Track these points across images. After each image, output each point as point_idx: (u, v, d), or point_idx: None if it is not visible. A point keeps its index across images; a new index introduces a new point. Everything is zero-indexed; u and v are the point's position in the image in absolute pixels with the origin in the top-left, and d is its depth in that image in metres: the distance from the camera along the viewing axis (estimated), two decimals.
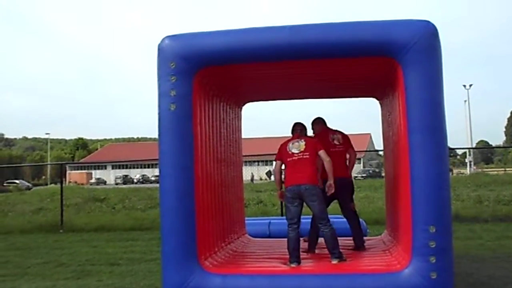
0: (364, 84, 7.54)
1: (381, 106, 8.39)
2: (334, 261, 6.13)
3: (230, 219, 7.60)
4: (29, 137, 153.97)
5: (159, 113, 5.76)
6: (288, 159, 6.45)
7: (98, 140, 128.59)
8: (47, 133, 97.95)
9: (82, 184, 63.21)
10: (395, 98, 6.24)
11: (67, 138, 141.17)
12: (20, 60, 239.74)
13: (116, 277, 7.90)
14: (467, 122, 63.00)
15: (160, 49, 5.82)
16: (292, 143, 6.53)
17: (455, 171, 59.89)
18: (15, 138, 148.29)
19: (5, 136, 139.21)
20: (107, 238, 12.67)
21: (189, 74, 5.75)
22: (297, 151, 6.42)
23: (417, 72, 5.36)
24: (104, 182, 70.56)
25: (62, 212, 15.51)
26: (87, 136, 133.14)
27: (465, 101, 64.39)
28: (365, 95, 8.58)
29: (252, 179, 50.23)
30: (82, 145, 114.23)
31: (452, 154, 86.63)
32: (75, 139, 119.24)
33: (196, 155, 5.83)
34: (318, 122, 7.67)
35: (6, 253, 10.81)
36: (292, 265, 6.09)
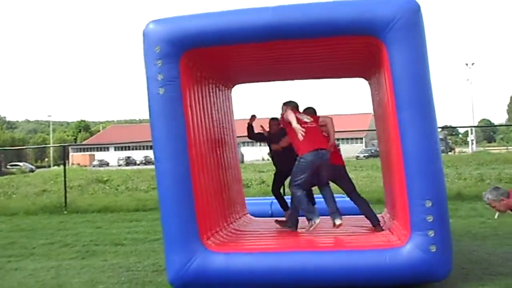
0: (351, 64, 7.53)
1: (370, 86, 8.39)
2: (339, 221, 6.71)
3: (230, 200, 7.65)
4: (31, 119, 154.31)
5: (148, 98, 5.79)
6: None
7: (100, 122, 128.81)
8: (49, 116, 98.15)
9: (85, 166, 63.52)
10: (382, 76, 6.24)
11: (69, 120, 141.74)
12: (21, 42, 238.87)
13: (120, 257, 7.97)
14: (469, 101, 62.98)
15: (145, 34, 5.84)
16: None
17: (457, 149, 59.92)
18: (17, 121, 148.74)
19: (7, 119, 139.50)
20: (110, 219, 12.75)
21: (175, 57, 5.77)
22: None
23: (401, 49, 5.38)
24: (107, 164, 70.74)
25: (65, 193, 15.60)
26: (89, 118, 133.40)
27: (468, 79, 64.31)
28: (352, 75, 8.58)
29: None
30: (84, 127, 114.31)
31: (454, 133, 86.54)
32: (77, 121, 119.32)
33: (189, 137, 5.86)
34: (290, 105, 7.51)
35: (12, 234, 10.90)
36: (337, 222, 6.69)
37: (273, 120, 8.02)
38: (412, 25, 5.37)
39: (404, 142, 5.40)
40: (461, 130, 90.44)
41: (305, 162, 6.70)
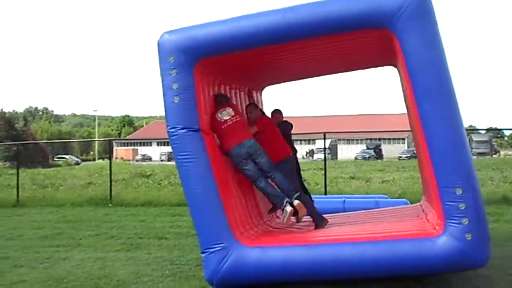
0: (373, 55, 7.44)
1: (399, 73, 8.30)
2: (296, 202, 6.51)
3: (261, 197, 7.68)
4: (78, 113, 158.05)
5: (164, 106, 5.96)
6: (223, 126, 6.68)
7: (143, 117, 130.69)
8: (94, 110, 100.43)
9: (128, 160, 64.68)
10: (400, 67, 6.18)
11: (114, 115, 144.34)
12: (70, 38, 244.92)
13: (164, 250, 8.16)
14: None
15: (160, 44, 5.99)
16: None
17: (502, 152, 58.33)
18: (64, 115, 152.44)
19: (55, 113, 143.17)
20: (154, 213, 12.99)
21: (189, 66, 5.90)
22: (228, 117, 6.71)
23: (412, 39, 5.30)
24: (150, 159, 71.76)
25: (111, 186, 15.97)
26: (133, 113, 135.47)
27: None
28: (379, 65, 8.47)
29: None
30: (128, 122, 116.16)
31: (499, 135, 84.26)
32: (122, 116, 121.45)
33: (208, 141, 6.06)
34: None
35: (59, 225, 11.27)
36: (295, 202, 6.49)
37: (276, 111, 8.27)
38: (421, 12, 5.27)
39: (426, 132, 5.35)
40: (507, 133, 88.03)
41: (233, 157, 6.64)
